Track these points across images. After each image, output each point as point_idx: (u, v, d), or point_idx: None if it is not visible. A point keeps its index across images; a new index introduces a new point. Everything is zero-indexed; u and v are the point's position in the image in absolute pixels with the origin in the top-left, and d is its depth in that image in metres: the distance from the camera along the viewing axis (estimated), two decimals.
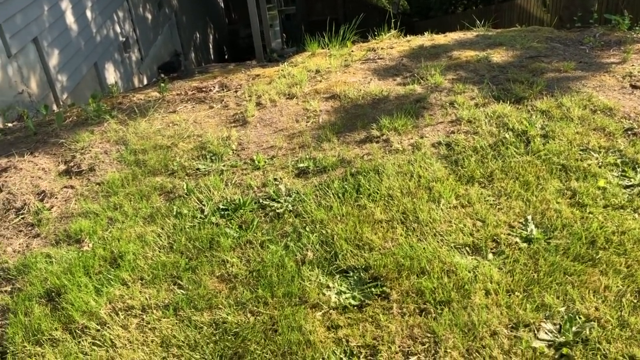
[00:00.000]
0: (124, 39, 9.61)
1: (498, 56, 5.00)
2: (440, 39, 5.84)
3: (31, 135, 4.82)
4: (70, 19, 7.53)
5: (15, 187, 3.78)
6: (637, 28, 5.47)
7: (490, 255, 2.72)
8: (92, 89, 7.74)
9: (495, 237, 2.82)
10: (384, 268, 2.67)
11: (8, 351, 2.43)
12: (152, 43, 11.22)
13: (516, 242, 2.78)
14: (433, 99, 4.29)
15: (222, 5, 20.09)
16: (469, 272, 2.60)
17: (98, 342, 2.44)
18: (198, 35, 15.41)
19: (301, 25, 18.91)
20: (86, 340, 2.46)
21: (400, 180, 3.30)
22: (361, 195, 3.22)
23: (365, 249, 2.82)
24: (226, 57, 17.95)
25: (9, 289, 2.83)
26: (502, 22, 13.54)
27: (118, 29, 9.36)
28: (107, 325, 2.52)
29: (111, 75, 8.88)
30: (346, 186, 3.31)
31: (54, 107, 6.75)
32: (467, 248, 2.78)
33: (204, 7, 16.78)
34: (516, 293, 2.49)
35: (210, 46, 17.02)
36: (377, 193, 3.22)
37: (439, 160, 3.49)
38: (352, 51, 5.69)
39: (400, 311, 2.46)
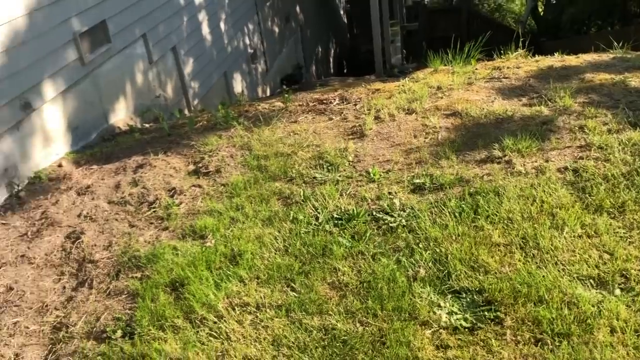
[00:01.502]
0: (252, 51, 10.11)
1: (637, 80, 4.67)
2: (572, 60, 5.56)
3: (165, 136, 5.22)
4: (205, 29, 8.06)
5: (149, 182, 4.11)
6: None
7: (617, 291, 2.55)
8: (221, 97, 8.22)
9: (624, 272, 2.64)
10: (499, 293, 2.58)
11: (136, 332, 2.64)
12: (277, 55, 11.70)
13: None
14: (561, 121, 4.10)
15: (346, 20, 20.49)
16: (593, 306, 2.45)
17: (214, 334, 2.59)
18: (320, 49, 15.84)
19: (422, 42, 18.79)
20: (204, 330, 2.61)
21: (522, 204, 3.18)
22: (479, 216, 3.14)
23: (480, 272, 2.74)
24: (345, 71, 18.26)
25: (139, 276, 3.07)
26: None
27: (247, 41, 9.88)
28: (224, 318, 2.66)
29: (238, 84, 9.38)
30: (463, 205, 3.25)
31: (186, 112, 7.25)
32: (591, 280, 2.62)
33: (328, 22, 17.22)
34: None
35: (331, 60, 17.42)
36: (496, 215, 3.13)
37: (565, 186, 3.32)
38: (476, 69, 5.58)
39: (514, 338, 2.37)
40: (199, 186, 3.98)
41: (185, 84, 7.48)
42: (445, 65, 5.93)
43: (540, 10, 23.73)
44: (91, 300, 2.93)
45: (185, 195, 3.88)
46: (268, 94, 10.62)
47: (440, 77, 5.52)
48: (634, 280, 2.58)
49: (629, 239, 2.84)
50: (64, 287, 3.12)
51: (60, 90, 4.95)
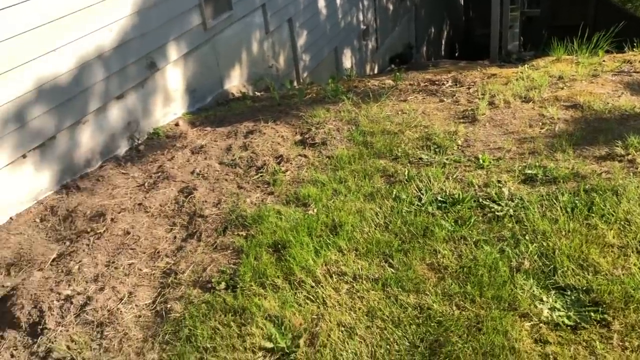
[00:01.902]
0: (365, 27, 10.08)
1: None
2: None
3: (275, 105, 5.36)
4: (321, 3, 8.13)
5: (259, 147, 4.25)
6: None
7: None
8: (330, 71, 8.30)
9: None
10: (609, 295, 2.45)
11: (238, 286, 2.78)
12: (389, 33, 11.58)
13: None
14: None
15: (462, 2, 19.84)
16: None
17: (311, 297, 2.67)
18: (432, 30, 15.48)
19: (542, 30, 17.81)
20: (301, 293, 2.70)
21: None
22: (593, 214, 2.98)
23: (589, 271, 2.61)
24: (457, 54, 17.74)
25: (244, 234, 3.21)
26: None
27: (361, 17, 9.85)
28: (321, 284, 2.73)
29: (348, 60, 9.41)
30: (577, 202, 3.09)
31: (295, 84, 7.39)
32: None
33: (443, 3, 16.76)
34: None
35: (443, 42, 16.98)
36: (612, 215, 2.95)
37: None
38: (603, 61, 5.23)
39: (621, 344, 2.25)
40: (305, 156, 4.07)
41: (297, 56, 7.62)
42: (568, 54, 5.61)
43: None
44: (199, 252, 3.12)
45: (291, 163, 3.99)
46: (376, 71, 10.57)
47: (562, 66, 5.23)
48: None
49: None
50: (175, 237, 3.33)
51: (182, 53, 5.22)
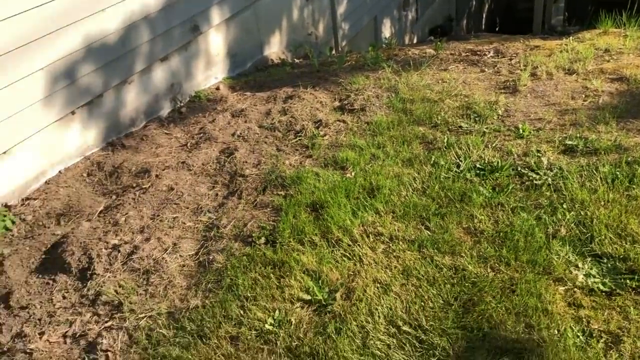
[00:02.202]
0: None
1: None
2: None
3: (314, 72, 5.39)
4: None
5: (297, 112, 4.31)
6: None
7: None
8: (369, 41, 8.23)
9: None
10: None
11: (277, 242, 2.87)
12: (430, 5, 11.39)
13: None
14: None
15: None
16: None
17: (348, 255, 2.74)
18: (474, 3, 15.14)
19: (589, 5, 17.25)
20: (338, 250, 2.77)
21: None
22: (634, 186, 2.96)
23: (627, 240, 2.62)
24: (497, 29, 17.32)
25: (283, 194, 3.30)
26: None
27: None
28: (358, 243, 2.80)
29: (387, 30, 9.32)
30: (618, 173, 3.07)
31: (334, 52, 7.38)
32: None
33: None
34: None
35: (484, 15, 16.60)
36: None
37: None
38: None
39: None
40: (343, 121, 4.11)
41: (336, 24, 7.59)
42: (616, 27, 5.46)
43: None
44: (240, 209, 3.22)
45: (329, 128, 4.04)
46: (415, 42, 10.44)
47: (609, 39, 5.11)
48: None
49: None
50: (217, 194, 3.44)
51: (225, 17, 5.27)
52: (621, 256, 2.54)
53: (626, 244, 2.60)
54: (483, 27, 16.30)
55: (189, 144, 4.13)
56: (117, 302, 2.67)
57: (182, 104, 4.90)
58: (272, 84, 5.19)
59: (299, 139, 3.96)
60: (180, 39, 4.79)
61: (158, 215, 3.22)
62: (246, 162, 3.70)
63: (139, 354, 2.39)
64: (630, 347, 2.12)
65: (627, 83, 4.11)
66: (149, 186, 3.52)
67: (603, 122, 3.63)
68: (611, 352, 2.12)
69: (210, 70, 5.28)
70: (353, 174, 3.41)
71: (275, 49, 6.32)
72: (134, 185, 3.58)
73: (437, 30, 11.03)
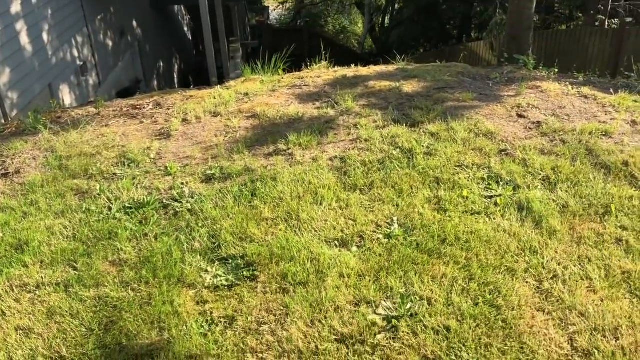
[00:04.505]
0: (82, 63, 9.95)
1: (409, 87, 5.50)
2: (363, 70, 6.35)
3: None
4: (24, 39, 7.86)
5: None
6: (541, 68, 6.05)
7: (354, 248, 3.11)
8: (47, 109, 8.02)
9: (361, 234, 3.21)
10: (259, 256, 3.03)
11: None
12: (112, 69, 11.57)
13: (378, 238, 3.17)
14: (341, 120, 4.73)
15: (190, 38, 20.64)
16: (330, 260, 2.97)
17: None
18: (162, 64, 15.82)
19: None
20: None
21: (292, 186, 3.69)
22: (255, 198, 3.59)
23: (247, 241, 3.17)
24: (192, 86, 18.36)
25: None
26: (454, 62, 14.32)
27: (76, 53, 9.71)
28: (1, 298, 2.80)
29: (67, 96, 9.18)
30: (244, 190, 3.68)
31: (2, 121, 7.01)
32: (336, 242, 3.16)
33: (170, 39, 17.26)
34: (366, 277, 2.86)
35: (175, 75, 17.44)
36: (269, 196, 3.59)
37: (331, 171, 3.89)
38: (282, 78, 6.14)
39: (263, 290, 2.81)
40: None
41: (0, 94, 7.24)
42: (256, 74, 6.44)
43: (377, 31, 25.74)
44: None
45: None
46: None
47: (250, 85, 6.00)
48: (368, 239, 3.16)
49: (370, 209, 3.44)
50: None
51: None
52: (241, 255, 3.07)
53: (246, 244, 3.15)
54: (177, 85, 17.09)
55: None
56: None
57: None
58: None
59: None
60: None
61: None
62: None
63: None
64: (242, 322, 2.60)
65: (259, 119, 4.91)
66: None
67: (237, 152, 4.28)
68: (227, 331, 2.57)
69: None
70: (2, 234, 3.37)
71: None
72: None
73: (125, 93, 11.26)
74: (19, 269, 3.02)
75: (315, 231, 3.25)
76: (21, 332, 2.59)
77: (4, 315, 2.69)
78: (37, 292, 2.85)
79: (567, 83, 5.52)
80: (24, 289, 2.88)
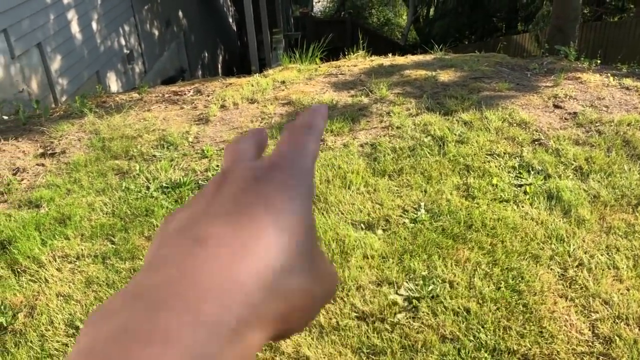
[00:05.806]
0: (129, 52, 10.27)
1: (445, 76, 5.49)
2: (400, 59, 6.35)
3: (21, 125, 5.38)
4: (75, 28, 8.18)
5: None
6: (582, 59, 5.93)
7: (379, 231, 3.16)
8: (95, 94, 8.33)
9: (387, 217, 3.26)
10: None
11: None
12: (158, 58, 11.89)
13: (404, 222, 3.22)
14: (375, 108, 4.78)
15: (235, 30, 20.92)
16: (356, 241, 3.04)
17: (34, 279, 2.91)
18: (207, 55, 16.13)
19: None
20: (24, 277, 2.93)
21: (322, 170, 3.77)
22: None
23: None
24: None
25: None
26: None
27: (123, 42, 10.03)
28: (45, 267, 2.99)
29: (113, 83, 9.51)
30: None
31: (53, 106, 7.34)
32: (362, 224, 3.22)
33: (215, 30, 17.56)
34: (390, 259, 2.92)
35: (219, 66, 17.74)
36: None
37: (361, 157, 3.95)
38: (319, 67, 6.22)
39: None
40: (42, 165, 4.24)
41: (52, 80, 7.57)
42: (294, 63, 6.53)
43: (421, 23, 25.51)
44: None
45: (27, 172, 4.13)
46: None
47: (287, 73, 6.10)
48: (394, 223, 3.21)
49: (398, 194, 3.49)
50: None
51: None
52: None
53: None
54: (220, 75, 17.38)
55: None
56: None
57: None
58: None
59: None
60: None
61: None
62: None
63: None
64: None
65: (294, 105, 5.00)
66: None
67: (271, 137, 4.38)
68: None
69: None
70: (47, 209, 3.58)
71: None
72: None
73: (170, 82, 11.57)
74: (62, 241, 3.21)
75: (342, 214, 3.32)
76: (61, 298, 2.76)
77: (46, 282, 2.87)
78: (77, 263, 3.02)
79: (609, 74, 5.40)
80: (65, 259, 3.06)
